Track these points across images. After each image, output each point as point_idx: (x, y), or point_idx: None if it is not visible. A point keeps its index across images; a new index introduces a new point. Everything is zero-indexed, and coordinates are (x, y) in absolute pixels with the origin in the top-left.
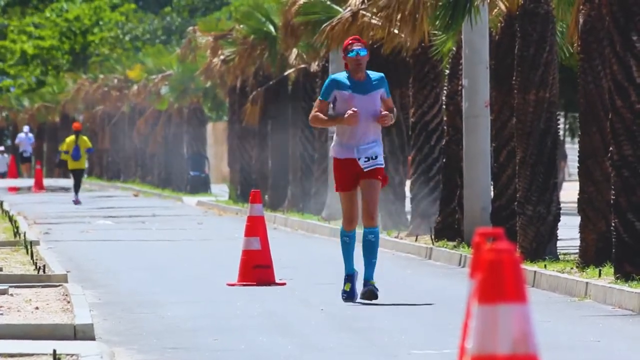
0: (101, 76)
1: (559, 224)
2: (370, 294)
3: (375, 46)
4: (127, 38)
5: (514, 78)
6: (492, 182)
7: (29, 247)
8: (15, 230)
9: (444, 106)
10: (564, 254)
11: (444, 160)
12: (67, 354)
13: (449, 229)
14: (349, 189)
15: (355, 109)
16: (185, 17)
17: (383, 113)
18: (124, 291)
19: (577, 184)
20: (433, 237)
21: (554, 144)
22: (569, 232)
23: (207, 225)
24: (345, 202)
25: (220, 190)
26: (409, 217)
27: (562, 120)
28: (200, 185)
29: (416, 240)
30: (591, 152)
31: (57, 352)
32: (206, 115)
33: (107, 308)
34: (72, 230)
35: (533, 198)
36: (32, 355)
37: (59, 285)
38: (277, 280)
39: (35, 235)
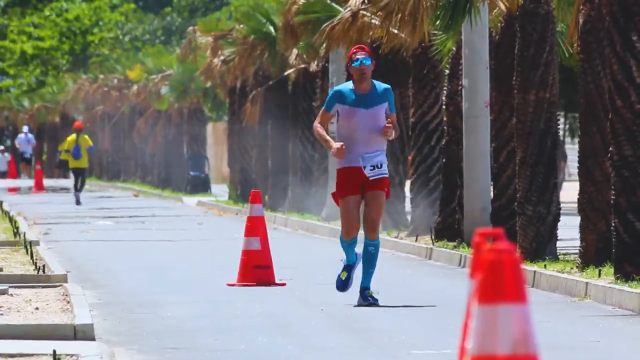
0: (101, 76)
1: (559, 224)
2: (367, 303)
3: (375, 46)
4: (127, 38)
5: (514, 78)
6: (492, 183)
7: (29, 247)
8: (15, 230)
9: (444, 106)
10: (564, 254)
11: (444, 160)
12: (67, 354)
13: (449, 229)
14: (353, 194)
15: (343, 145)
16: (185, 17)
17: (386, 125)
18: (124, 291)
19: (577, 184)
20: (433, 237)
21: (554, 144)
22: (569, 232)
23: (207, 225)
24: (344, 211)
25: (220, 191)
26: (409, 217)
27: (562, 120)
28: (200, 186)
29: (416, 240)
30: (591, 152)
31: (57, 352)
32: (206, 115)
33: (107, 308)
34: (72, 230)
35: (533, 198)
36: (32, 355)
37: (59, 286)
38: (277, 281)
39: (35, 236)
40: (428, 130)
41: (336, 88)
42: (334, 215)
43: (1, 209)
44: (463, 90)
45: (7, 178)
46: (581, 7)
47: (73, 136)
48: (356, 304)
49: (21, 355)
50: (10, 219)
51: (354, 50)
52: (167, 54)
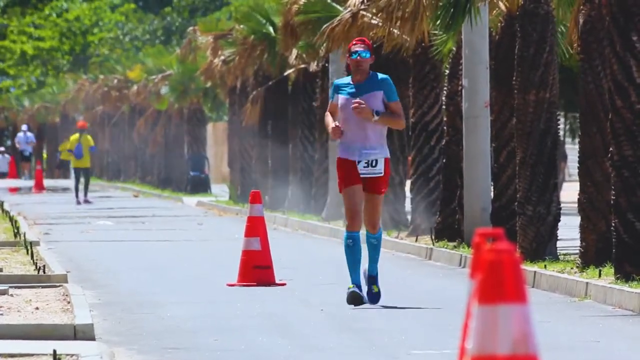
0: (101, 76)
1: (559, 224)
2: (373, 299)
3: (375, 46)
4: (127, 38)
5: (514, 78)
6: (492, 183)
7: (29, 247)
8: (16, 230)
9: (443, 106)
10: (564, 254)
11: (444, 160)
12: (67, 354)
13: (449, 229)
14: (353, 183)
15: (338, 124)
16: (185, 17)
17: (356, 102)
18: (124, 291)
19: (577, 184)
20: (433, 237)
21: (554, 144)
22: (569, 232)
23: (207, 225)
24: (347, 198)
25: (220, 191)
26: (409, 217)
27: (562, 120)
28: (200, 186)
29: (416, 240)
30: (591, 153)
31: (57, 352)
32: (206, 115)
33: (107, 308)
34: (72, 230)
35: (533, 198)
36: (32, 355)
37: (59, 286)
38: (277, 281)
39: (35, 236)
40: (428, 131)
41: (336, 80)
42: (334, 215)
43: (1, 209)
44: (463, 90)
45: (7, 178)
46: (581, 7)
47: (76, 136)
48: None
49: (21, 355)
50: (11, 219)
51: (354, 42)
52: (167, 54)
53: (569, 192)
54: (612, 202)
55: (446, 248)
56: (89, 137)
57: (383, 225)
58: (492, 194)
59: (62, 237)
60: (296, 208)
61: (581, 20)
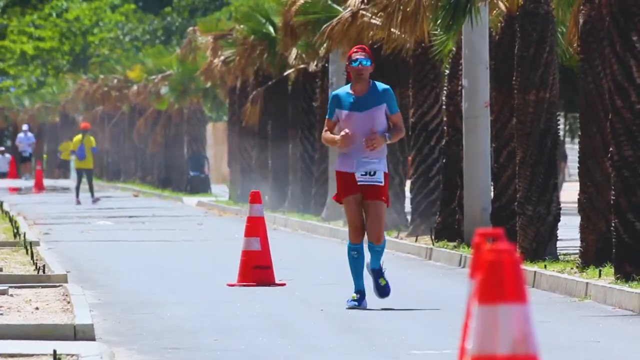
0: (101, 76)
1: (559, 224)
2: (382, 291)
3: (375, 46)
4: (127, 38)
5: (514, 78)
6: (492, 183)
7: (29, 247)
8: (15, 230)
9: (443, 106)
10: (564, 254)
11: (444, 160)
12: (67, 354)
13: (449, 229)
14: (352, 193)
15: (348, 132)
16: (185, 18)
17: (369, 137)
18: (124, 291)
19: (577, 184)
20: (433, 237)
21: (554, 145)
22: (569, 232)
23: (207, 225)
24: (348, 210)
25: (220, 191)
26: (409, 217)
27: (562, 120)
28: (200, 186)
29: (416, 240)
30: (591, 153)
31: (57, 352)
32: (206, 115)
33: (107, 308)
34: (72, 230)
35: (533, 198)
36: (32, 355)
37: (59, 286)
38: (277, 281)
39: (35, 236)
40: (428, 131)
41: (334, 92)
42: (334, 215)
43: (1, 209)
44: (463, 90)
45: (7, 178)
46: (581, 7)
47: (79, 137)
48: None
49: (21, 355)
50: (11, 219)
51: (354, 50)
52: (167, 54)
53: (569, 192)
54: (612, 202)
55: (446, 248)
56: (91, 138)
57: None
58: (492, 194)
59: (62, 237)
60: (296, 208)
61: (581, 21)
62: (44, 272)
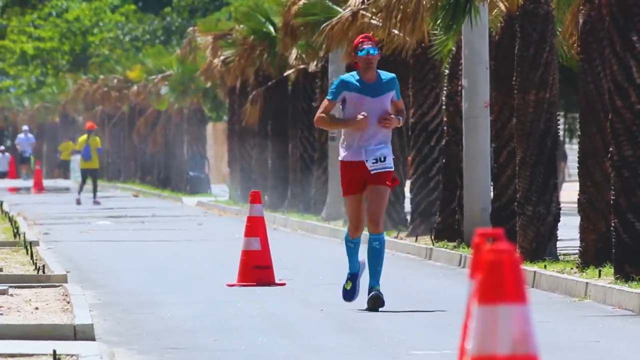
0: (101, 76)
1: (559, 224)
2: (376, 300)
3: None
4: (127, 38)
5: (513, 78)
6: (492, 183)
7: (28, 247)
8: (15, 230)
9: (443, 107)
10: (564, 255)
11: (444, 160)
12: (67, 354)
13: (449, 229)
14: (355, 192)
15: (365, 114)
16: (185, 18)
17: (384, 115)
18: (123, 291)
19: (577, 184)
20: (433, 237)
21: (554, 145)
22: (569, 232)
23: (207, 225)
24: (351, 207)
25: (220, 191)
26: (408, 217)
27: (561, 120)
28: (200, 186)
29: (416, 240)
30: (591, 153)
31: (57, 352)
32: (206, 115)
33: (107, 308)
34: (72, 230)
35: (533, 198)
36: (32, 355)
37: (58, 286)
38: (277, 281)
39: (35, 236)
40: (428, 131)
41: (342, 77)
42: (334, 215)
43: (1, 209)
44: (463, 90)
45: (7, 178)
46: (581, 7)
47: (84, 137)
48: (365, 308)
49: (21, 355)
50: (10, 219)
51: (361, 40)
52: (167, 54)
53: (569, 192)
54: (612, 202)
55: (446, 248)
56: (97, 138)
57: (383, 226)
58: (492, 194)
59: (61, 237)
60: (296, 208)
61: (581, 21)
62: (43, 272)
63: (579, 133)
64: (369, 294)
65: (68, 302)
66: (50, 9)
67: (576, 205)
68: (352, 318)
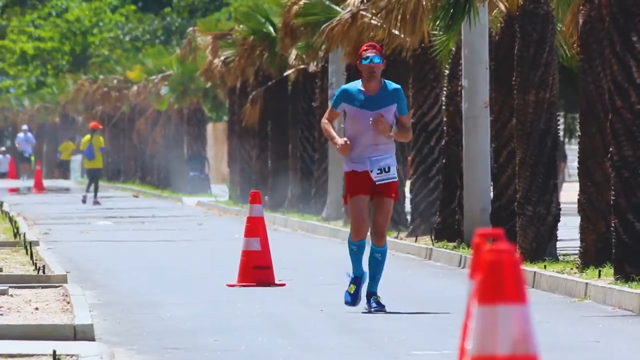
0: (101, 77)
1: (559, 224)
2: (377, 310)
3: None
4: (127, 39)
5: (513, 78)
6: (492, 183)
7: (28, 247)
8: (15, 230)
9: (443, 107)
10: (564, 255)
11: (444, 160)
12: (67, 355)
13: (449, 229)
14: (359, 194)
15: (348, 141)
16: (185, 18)
17: (376, 118)
18: (123, 291)
19: (577, 184)
20: (433, 237)
21: (554, 145)
22: (569, 232)
23: (207, 225)
24: (354, 210)
25: (220, 191)
26: (408, 217)
27: (561, 120)
28: (200, 186)
29: (416, 240)
30: (591, 153)
31: (57, 352)
32: (206, 115)
33: (107, 308)
34: (72, 230)
35: (533, 199)
36: (32, 355)
37: (58, 286)
38: (277, 281)
39: (35, 236)
40: (428, 131)
41: (344, 86)
42: (334, 215)
43: (1, 209)
44: (463, 90)
45: (7, 178)
46: (581, 7)
47: (88, 137)
48: (363, 310)
49: (21, 355)
50: (10, 220)
51: (365, 48)
52: (167, 54)
53: (569, 192)
54: (612, 202)
55: (446, 248)
56: (100, 138)
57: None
58: (491, 194)
59: (61, 237)
60: (296, 208)
61: (581, 21)
62: (43, 272)
63: (579, 133)
64: (367, 300)
65: (68, 303)
66: (50, 9)
67: (576, 205)
68: (352, 318)
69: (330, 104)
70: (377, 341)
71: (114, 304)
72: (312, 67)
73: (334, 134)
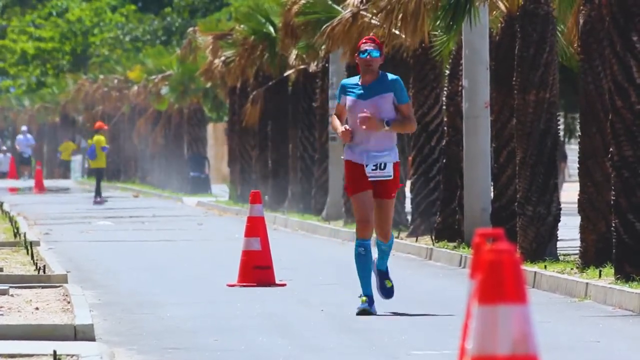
0: (101, 77)
1: (559, 224)
2: (387, 293)
3: None
4: (127, 39)
5: (514, 79)
6: (492, 183)
7: (29, 247)
8: (16, 230)
9: (444, 107)
10: (564, 255)
11: (444, 160)
12: (67, 355)
13: (449, 229)
14: (361, 190)
15: (349, 128)
16: (185, 18)
17: (363, 116)
18: (124, 291)
19: (577, 184)
20: (433, 237)
21: (554, 145)
22: (569, 232)
23: (207, 225)
24: (357, 204)
25: (220, 191)
26: (409, 217)
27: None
28: (201, 186)
29: (416, 240)
30: (591, 153)
31: (57, 352)
32: (206, 115)
33: (107, 308)
34: (73, 230)
35: (533, 198)
36: (32, 355)
37: (59, 286)
38: (277, 281)
39: (35, 236)
40: (428, 131)
41: (343, 80)
42: (334, 215)
43: (1, 209)
44: (463, 90)
45: (7, 178)
46: (581, 7)
47: (95, 137)
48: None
49: (21, 355)
50: (11, 220)
51: (363, 41)
52: (167, 54)
53: (569, 192)
54: (612, 202)
55: (446, 248)
56: (101, 137)
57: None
58: (492, 194)
59: (62, 237)
60: (296, 208)
61: (581, 21)
62: (44, 272)
63: (579, 133)
64: (378, 279)
65: (68, 302)
66: (50, 9)
67: (576, 205)
68: (352, 318)
69: (331, 103)
70: (377, 341)
71: (114, 304)
72: (313, 67)
73: (337, 124)
